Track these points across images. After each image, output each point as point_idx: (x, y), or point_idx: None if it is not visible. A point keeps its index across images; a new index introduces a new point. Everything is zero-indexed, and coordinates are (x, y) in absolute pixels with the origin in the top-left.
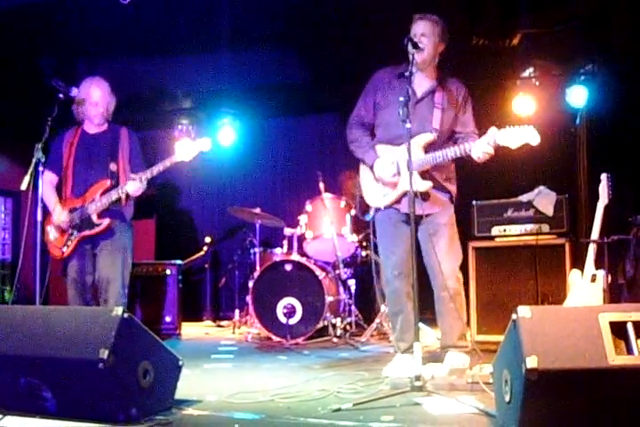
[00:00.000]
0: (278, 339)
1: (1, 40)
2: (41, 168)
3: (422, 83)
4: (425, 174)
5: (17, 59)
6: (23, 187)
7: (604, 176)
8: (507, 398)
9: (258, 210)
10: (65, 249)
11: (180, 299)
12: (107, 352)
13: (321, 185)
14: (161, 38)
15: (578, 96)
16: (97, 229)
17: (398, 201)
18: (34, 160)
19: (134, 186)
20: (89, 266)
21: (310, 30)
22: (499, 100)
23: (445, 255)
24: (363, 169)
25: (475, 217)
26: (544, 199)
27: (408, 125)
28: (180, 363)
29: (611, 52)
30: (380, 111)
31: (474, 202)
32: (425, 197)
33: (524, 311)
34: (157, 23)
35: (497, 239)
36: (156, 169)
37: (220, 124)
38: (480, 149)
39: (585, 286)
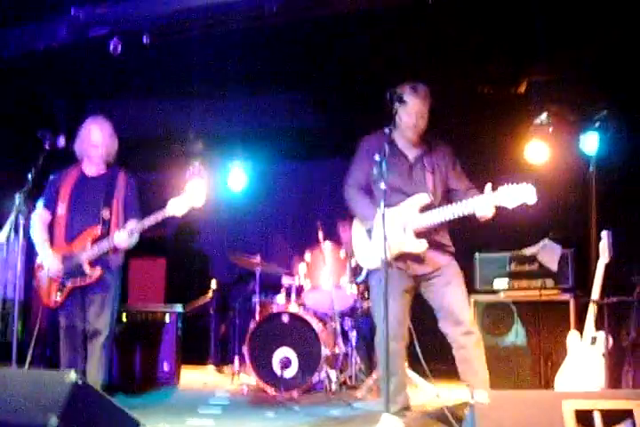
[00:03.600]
0: (273, 391)
1: (12, 83)
2: (21, 220)
3: (411, 148)
4: (421, 235)
5: (28, 101)
6: (1, 239)
7: (604, 233)
8: None
9: (258, 258)
10: (57, 298)
11: (179, 346)
12: (55, 419)
13: (320, 234)
14: (172, 82)
15: (591, 143)
16: (89, 280)
17: (395, 261)
18: (14, 211)
19: (122, 237)
20: (79, 314)
21: (322, 75)
22: (511, 147)
23: (464, 304)
24: (355, 228)
25: (477, 270)
26: (548, 253)
27: (383, 186)
28: None
29: (623, 97)
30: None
31: (476, 254)
32: (421, 256)
33: (481, 396)
34: (168, 67)
35: (499, 293)
36: (147, 222)
37: (231, 168)
38: (484, 209)
39: (584, 349)
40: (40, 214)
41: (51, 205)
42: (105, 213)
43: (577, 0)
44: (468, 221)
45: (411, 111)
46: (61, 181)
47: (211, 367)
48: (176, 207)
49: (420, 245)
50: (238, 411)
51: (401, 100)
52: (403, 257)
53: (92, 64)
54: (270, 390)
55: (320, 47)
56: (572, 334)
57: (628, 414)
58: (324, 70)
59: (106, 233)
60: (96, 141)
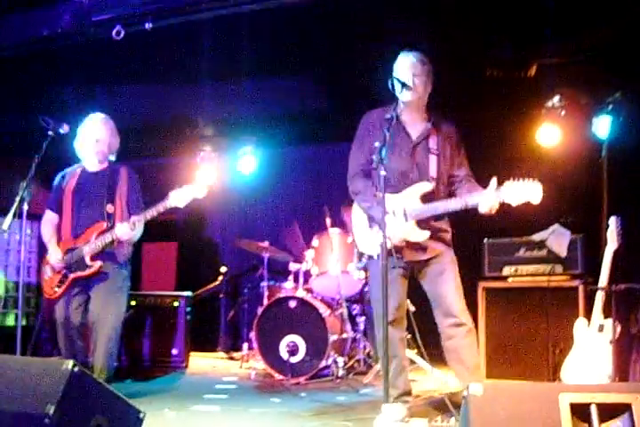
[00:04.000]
0: (280, 377)
1: (20, 69)
2: (26, 206)
3: (415, 126)
4: (422, 223)
5: (35, 87)
6: (5, 227)
7: (612, 220)
8: None
9: (266, 243)
10: (57, 289)
11: (188, 331)
12: (53, 408)
13: (327, 220)
14: (181, 66)
15: (603, 127)
16: (89, 271)
17: (394, 249)
18: (17, 198)
19: (123, 230)
20: (77, 307)
21: (331, 59)
22: (522, 130)
23: (456, 294)
24: (356, 214)
25: (485, 256)
26: (557, 239)
27: (383, 173)
28: (141, 415)
29: (637, 80)
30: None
31: (485, 240)
32: (421, 244)
33: (475, 388)
34: (178, 51)
35: (508, 280)
36: (149, 213)
37: (242, 153)
38: (488, 204)
39: (592, 337)
40: (47, 218)
41: (56, 207)
42: (109, 208)
43: None
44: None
45: (404, 72)
46: (65, 181)
47: (221, 353)
48: (177, 199)
49: (423, 235)
50: (244, 397)
51: (406, 86)
52: (401, 245)
53: (99, 50)
54: (277, 376)
55: (329, 31)
56: (579, 322)
57: (626, 407)
58: (333, 54)
59: (111, 227)
60: (97, 137)
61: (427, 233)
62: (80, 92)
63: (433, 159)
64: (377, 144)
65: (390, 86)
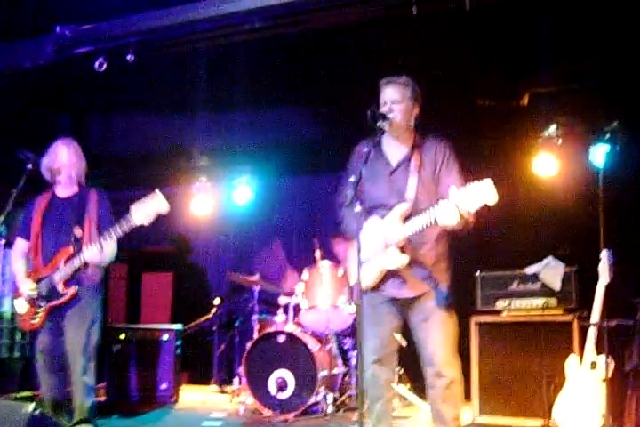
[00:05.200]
0: (269, 413)
1: (15, 98)
2: (3, 241)
3: (397, 151)
4: (405, 251)
5: (31, 116)
6: None
7: (603, 253)
8: None
9: (256, 277)
10: (34, 322)
11: (178, 365)
12: None
13: (317, 253)
14: (176, 97)
15: (601, 156)
16: (63, 299)
17: (379, 284)
18: None
19: (91, 252)
20: (57, 337)
21: (326, 89)
22: (518, 160)
23: (440, 344)
24: (352, 247)
25: (478, 289)
26: (551, 272)
27: (357, 208)
28: None
29: (634, 107)
30: (364, 185)
31: (477, 273)
32: (404, 277)
33: None
34: (172, 82)
35: (501, 314)
36: (114, 233)
37: (237, 183)
38: (447, 215)
39: (584, 375)
40: (17, 247)
41: (26, 234)
42: (77, 232)
43: (580, 10)
44: (469, 238)
45: (384, 99)
46: (34, 207)
47: (214, 387)
48: (140, 215)
49: (400, 260)
50: None
51: (384, 118)
52: (386, 279)
53: (93, 79)
54: (266, 412)
55: (324, 62)
56: (571, 359)
57: None
58: (329, 84)
59: (78, 251)
60: (64, 164)
61: (405, 258)
62: (75, 120)
63: (412, 181)
64: (352, 179)
65: (370, 117)
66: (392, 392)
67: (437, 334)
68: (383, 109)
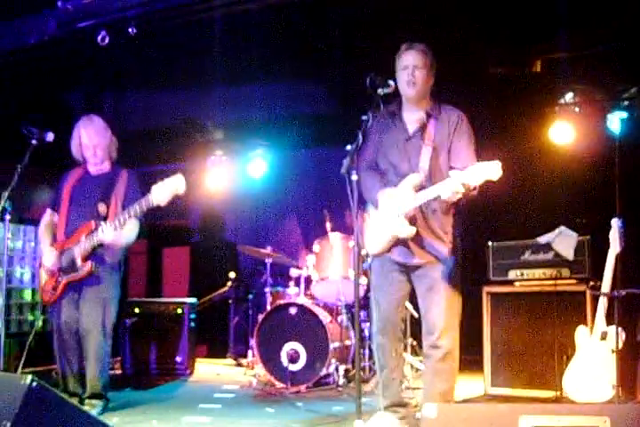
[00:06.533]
0: (281, 385)
1: (29, 75)
2: (8, 216)
3: (414, 119)
4: (414, 220)
5: (44, 93)
6: None
7: (614, 222)
8: None
9: (268, 249)
10: (52, 293)
11: (193, 338)
12: (9, 424)
13: (327, 224)
14: (190, 71)
15: (619, 123)
16: (81, 274)
17: (389, 249)
18: None
19: (106, 231)
20: (74, 312)
21: (341, 63)
22: (534, 128)
23: (441, 313)
24: (371, 213)
25: (490, 260)
26: (564, 241)
27: (354, 177)
28: None
29: None
30: (380, 153)
31: (489, 243)
32: (413, 244)
33: (429, 410)
34: (186, 56)
35: (514, 284)
36: (132, 212)
37: (253, 156)
38: (447, 187)
39: (594, 345)
40: (45, 218)
41: (55, 206)
42: (101, 209)
43: None
44: (483, 209)
45: (405, 64)
46: (66, 181)
47: (230, 360)
48: (159, 195)
49: (408, 230)
50: (239, 406)
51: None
52: (397, 244)
53: (107, 54)
54: (278, 384)
55: (338, 34)
56: (581, 330)
57: None
58: (343, 57)
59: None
60: (87, 144)
61: (412, 229)
62: (88, 96)
63: (426, 151)
64: (348, 147)
65: (393, 82)
66: (398, 361)
67: (439, 305)
68: (404, 75)
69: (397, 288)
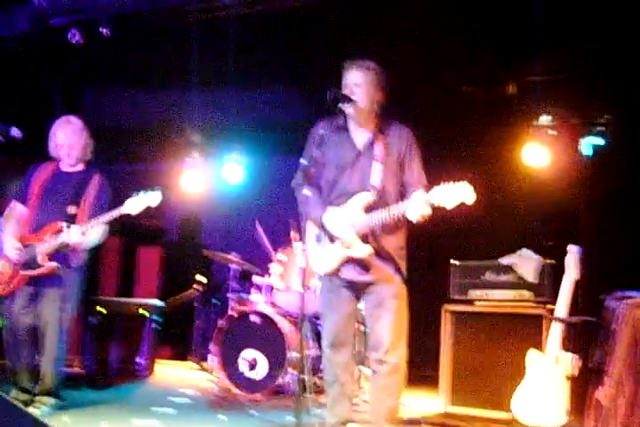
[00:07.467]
0: (238, 391)
1: (10, 66)
2: None
3: (361, 135)
4: (367, 238)
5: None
6: None
7: (570, 248)
8: None
9: (232, 255)
10: (7, 286)
11: (154, 340)
12: None
13: (292, 234)
14: (170, 73)
15: (591, 148)
16: (38, 271)
17: (339, 268)
18: None
19: (73, 234)
20: (25, 308)
21: (317, 70)
22: (506, 149)
23: (388, 329)
24: (308, 230)
25: (452, 278)
26: (526, 263)
27: (305, 191)
28: None
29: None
30: (326, 169)
31: (451, 262)
32: (364, 262)
33: None
34: (164, 58)
35: (474, 303)
36: (101, 219)
37: (228, 160)
38: (415, 209)
39: (546, 370)
40: (11, 208)
41: (22, 198)
42: (71, 210)
43: None
44: (448, 227)
45: (345, 82)
46: (36, 174)
47: (191, 364)
48: (132, 207)
49: (365, 251)
50: (193, 411)
51: (348, 100)
52: (346, 263)
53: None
54: (235, 390)
55: (316, 41)
56: (532, 353)
57: None
58: (320, 64)
59: (67, 228)
60: (62, 144)
61: (369, 249)
62: (66, 92)
63: (377, 167)
64: (303, 161)
65: (331, 98)
66: (349, 376)
67: (386, 321)
68: (345, 92)
69: (346, 304)
